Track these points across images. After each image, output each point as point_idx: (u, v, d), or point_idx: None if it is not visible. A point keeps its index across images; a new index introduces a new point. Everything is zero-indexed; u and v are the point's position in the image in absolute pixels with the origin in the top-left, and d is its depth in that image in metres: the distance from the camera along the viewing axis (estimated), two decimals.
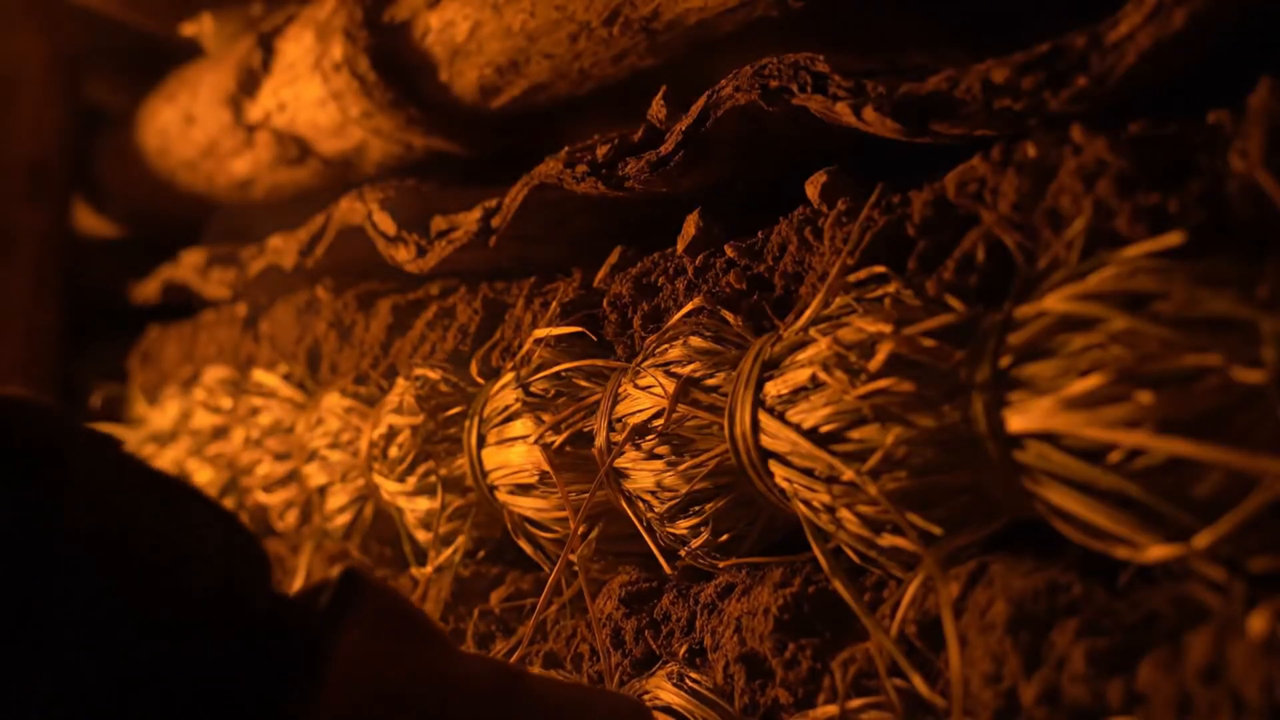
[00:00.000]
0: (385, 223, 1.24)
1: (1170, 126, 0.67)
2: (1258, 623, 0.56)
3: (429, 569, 1.13)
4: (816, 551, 0.79)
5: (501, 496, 1.07)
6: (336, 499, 1.32)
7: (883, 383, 0.72)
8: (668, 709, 0.87)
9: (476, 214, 1.14)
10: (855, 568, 0.79)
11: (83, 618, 0.62)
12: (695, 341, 0.90)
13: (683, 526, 0.90)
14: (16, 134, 1.95)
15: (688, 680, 0.87)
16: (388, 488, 1.19)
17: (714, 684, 0.86)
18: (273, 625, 0.69)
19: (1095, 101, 0.70)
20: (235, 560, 0.69)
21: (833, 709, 0.76)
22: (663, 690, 0.88)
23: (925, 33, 0.94)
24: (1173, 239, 0.63)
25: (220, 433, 1.56)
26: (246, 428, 1.49)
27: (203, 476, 1.59)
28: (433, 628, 0.76)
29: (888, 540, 0.75)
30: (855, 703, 0.75)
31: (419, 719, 0.70)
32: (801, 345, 0.80)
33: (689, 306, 0.92)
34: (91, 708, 0.62)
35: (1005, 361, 0.67)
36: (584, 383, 1.01)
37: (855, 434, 0.74)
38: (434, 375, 1.16)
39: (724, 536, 0.89)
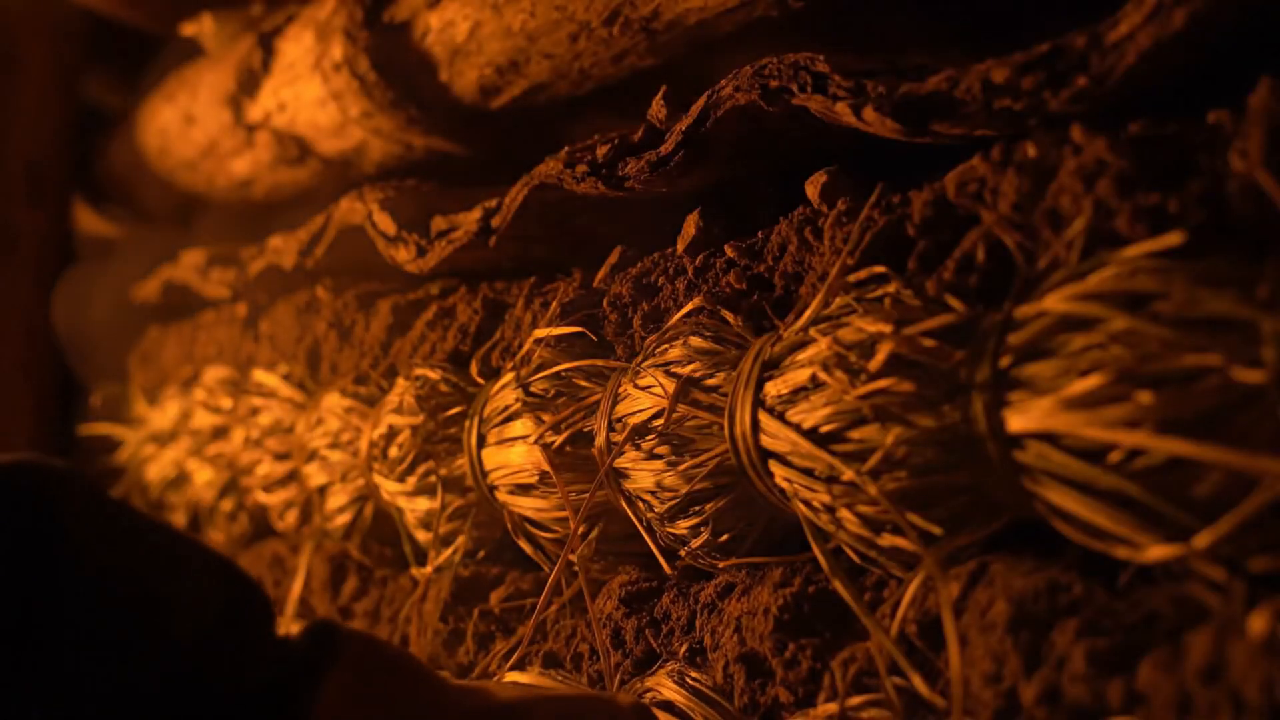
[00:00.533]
0: (385, 223, 1.24)
1: (1170, 126, 0.67)
2: (1258, 623, 0.56)
3: (429, 569, 1.13)
4: (816, 551, 0.79)
5: (501, 496, 1.07)
6: (336, 499, 1.32)
7: (883, 383, 0.72)
8: (669, 705, 0.87)
9: (476, 214, 1.14)
10: (855, 568, 0.79)
11: (84, 641, 0.63)
12: (695, 341, 0.90)
13: (683, 526, 0.90)
14: (16, 134, 1.95)
15: (688, 679, 0.87)
16: (388, 488, 1.19)
17: (714, 683, 0.86)
18: (267, 670, 0.70)
19: (1095, 101, 0.70)
20: (235, 605, 0.70)
21: (832, 707, 0.76)
22: (664, 687, 0.88)
23: (925, 33, 0.94)
24: (1173, 239, 0.63)
25: (220, 433, 1.56)
26: (246, 428, 1.49)
27: (203, 476, 1.59)
28: (419, 667, 0.77)
29: (888, 540, 0.75)
30: (855, 700, 0.75)
31: None
32: (801, 345, 0.80)
33: (689, 306, 0.92)
34: None
35: (1005, 361, 0.67)
36: (584, 383, 1.01)
37: (855, 434, 0.74)
38: (434, 375, 1.16)
39: (724, 536, 0.89)
